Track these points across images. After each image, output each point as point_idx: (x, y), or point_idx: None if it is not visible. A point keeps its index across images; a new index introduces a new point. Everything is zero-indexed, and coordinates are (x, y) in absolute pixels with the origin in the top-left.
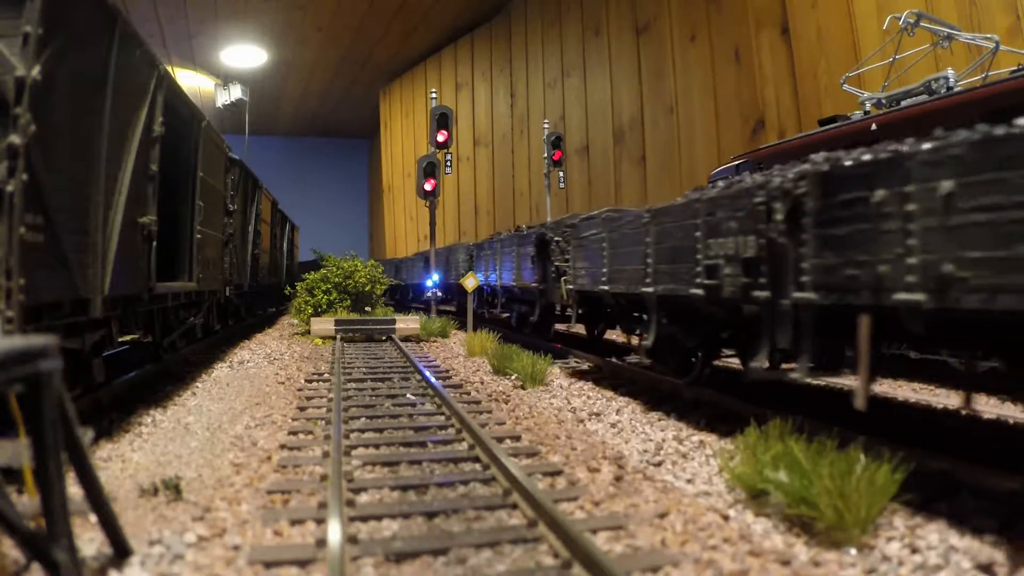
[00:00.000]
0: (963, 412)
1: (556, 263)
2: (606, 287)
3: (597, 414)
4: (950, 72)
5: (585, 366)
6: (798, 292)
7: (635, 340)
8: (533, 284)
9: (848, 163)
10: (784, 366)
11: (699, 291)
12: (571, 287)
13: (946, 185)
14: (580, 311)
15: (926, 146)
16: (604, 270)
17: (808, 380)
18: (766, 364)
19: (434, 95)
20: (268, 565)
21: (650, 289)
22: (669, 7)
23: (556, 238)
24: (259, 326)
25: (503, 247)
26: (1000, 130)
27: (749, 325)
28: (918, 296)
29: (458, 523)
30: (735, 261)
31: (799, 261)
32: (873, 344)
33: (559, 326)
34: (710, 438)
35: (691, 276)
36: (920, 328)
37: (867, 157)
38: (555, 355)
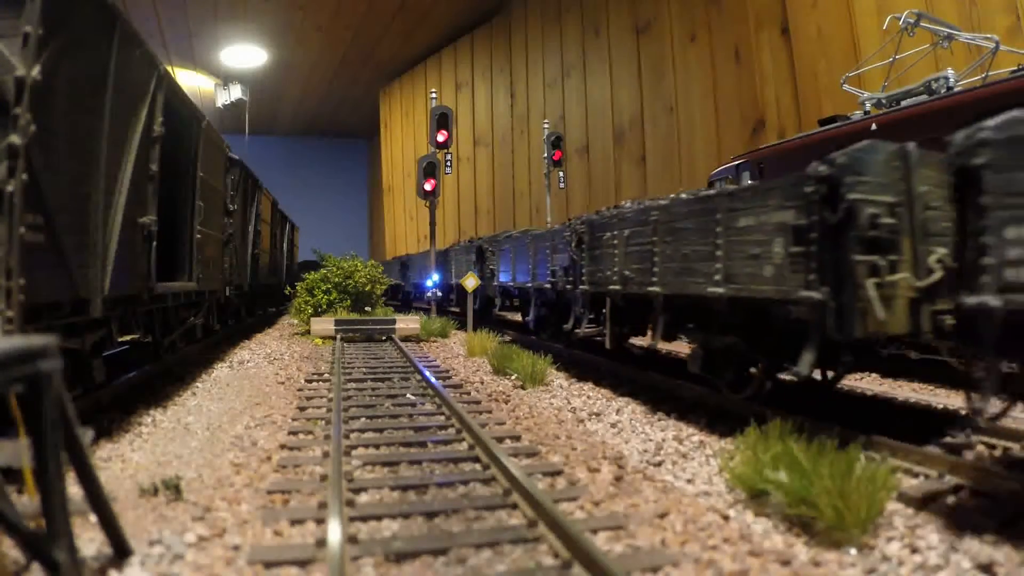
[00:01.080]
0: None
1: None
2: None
3: (597, 414)
4: (950, 72)
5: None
6: (581, 285)
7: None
8: (568, 285)
9: (596, 217)
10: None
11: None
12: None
13: (625, 232)
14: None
15: (625, 208)
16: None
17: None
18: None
19: (434, 95)
20: (268, 565)
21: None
22: (669, 7)
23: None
24: (259, 326)
25: (530, 245)
26: (649, 203)
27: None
28: (617, 287)
29: (458, 523)
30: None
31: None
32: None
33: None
34: (710, 438)
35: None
36: (621, 302)
37: (606, 213)
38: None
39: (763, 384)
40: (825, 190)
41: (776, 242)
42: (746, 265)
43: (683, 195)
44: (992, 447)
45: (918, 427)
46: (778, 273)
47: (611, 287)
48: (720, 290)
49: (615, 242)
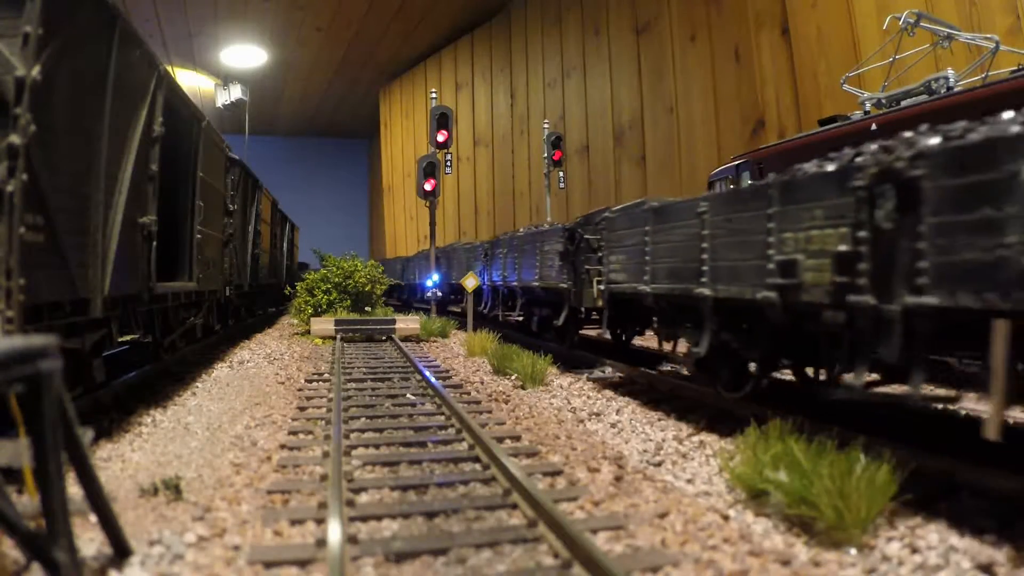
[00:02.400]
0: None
1: (586, 263)
2: (647, 287)
3: (597, 414)
4: (950, 72)
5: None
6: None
7: (667, 346)
8: (563, 285)
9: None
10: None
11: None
12: (603, 287)
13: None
14: (610, 314)
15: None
16: (647, 268)
17: None
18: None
19: (434, 95)
20: (268, 565)
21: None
22: (669, 7)
23: (587, 235)
24: (259, 326)
25: (524, 244)
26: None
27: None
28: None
29: (458, 523)
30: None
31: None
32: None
33: (585, 332)
34: (710, 438)
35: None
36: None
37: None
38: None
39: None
40: None
41: None
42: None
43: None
44: None
45: None
46: None
47: (641, 288)
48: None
49: (646, 239)
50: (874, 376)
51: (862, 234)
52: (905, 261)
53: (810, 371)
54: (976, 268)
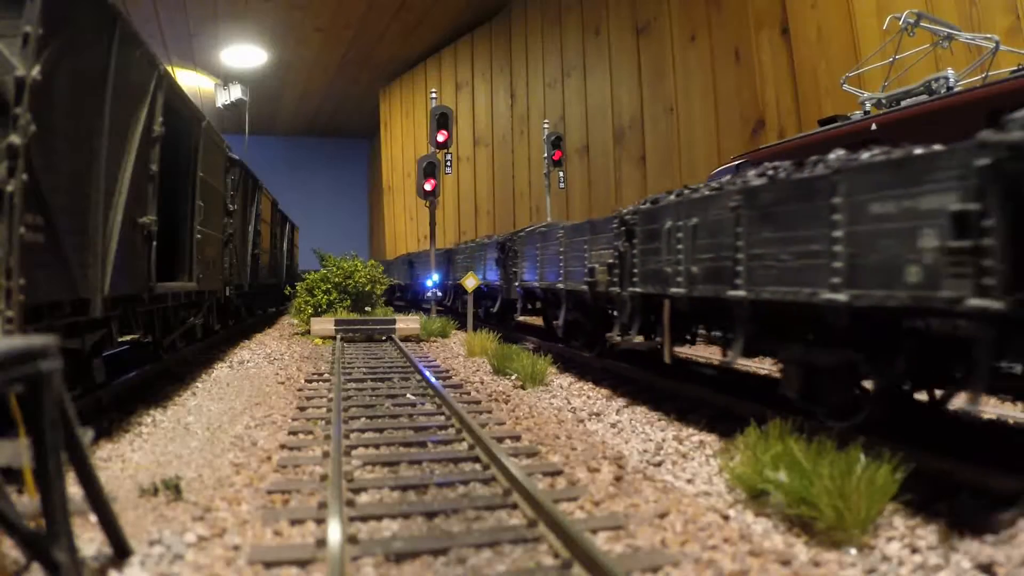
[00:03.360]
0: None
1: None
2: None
3: (597, 414)
4: (950, 72)
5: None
6: (630, 287)
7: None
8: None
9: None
10: None
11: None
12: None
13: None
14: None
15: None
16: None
17: None
18: None
19: (434, 95)
20: (268, 565)
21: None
22: (669, 7)
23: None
24: (259, 326)
25: (476, 252)
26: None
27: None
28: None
29: (458, 523)
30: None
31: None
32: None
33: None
34: (710, 438)
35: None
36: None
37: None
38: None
39: (882, 409)
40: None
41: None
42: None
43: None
44: None
45: None
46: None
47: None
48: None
49: (680, 235)
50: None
51: (619, 250)
52: (629, 268)
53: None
54: (653, 272)
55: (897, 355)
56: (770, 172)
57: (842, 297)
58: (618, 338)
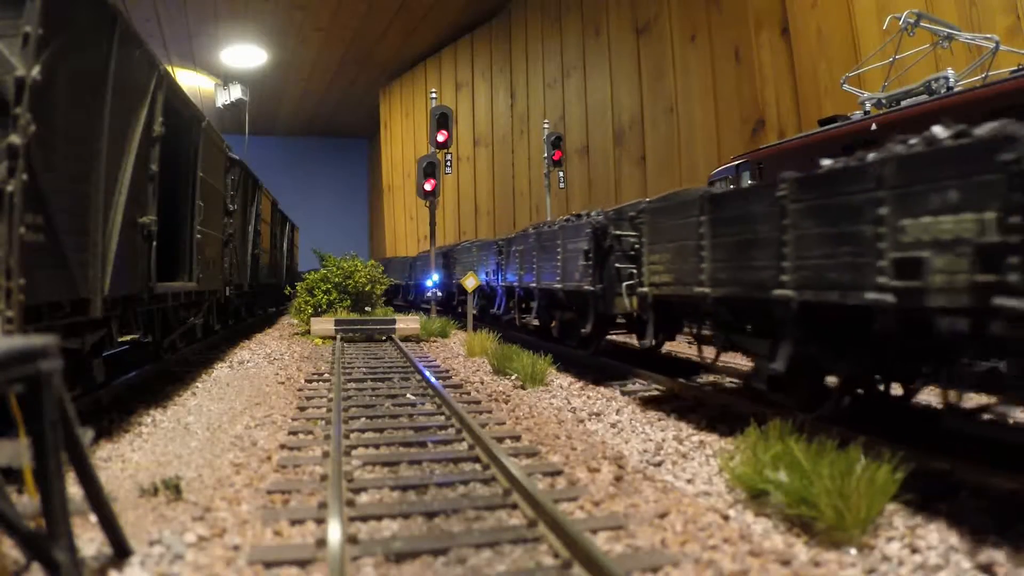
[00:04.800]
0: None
1: (617, 263)
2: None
3: (597, 414)
4: (950, 72)
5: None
6: (641, 288)
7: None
8: (586, 287)
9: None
10: None
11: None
12: (643, 290)
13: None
14: (651, 320)
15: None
16: (703, 266)
17: None
18: None
19: (434, 95)
20: (268, 565)
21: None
22: (669, 7)
23: (618, 232)
24: (259, 326)
25: (544, 242)
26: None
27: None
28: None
29: (458, 523)
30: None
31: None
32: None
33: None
34: (710, 438)
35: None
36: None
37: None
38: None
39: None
40: None
41: None
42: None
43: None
44: None
45: None
46: None
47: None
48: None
49: (702, 231)
50: None
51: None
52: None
53: None
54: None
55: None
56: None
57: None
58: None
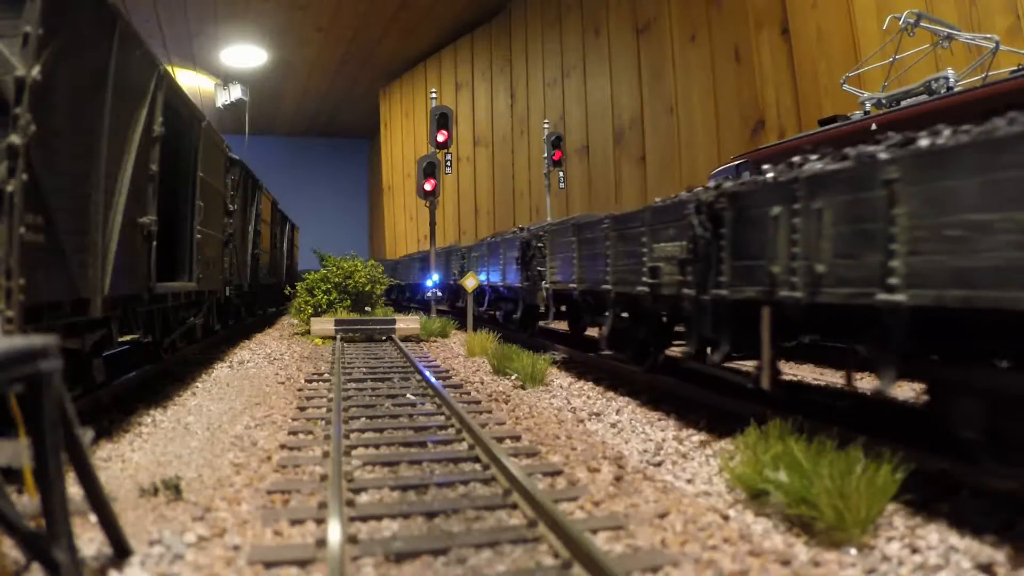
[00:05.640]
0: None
1: (539, 267)
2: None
3: (597, 414)
4: (950, 72)
5: (562, 357)
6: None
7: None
8: (516, 284)
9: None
10: None
11: None
12: (547, 285)
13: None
14: (551, 306)
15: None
16: (575, 269)
17: None
18: None
19: (434, 95)
20: (268, 565)
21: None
22: (669, 7)
23: (539, 244)
24: (259, 326)
25: (492, 250)
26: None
27: None
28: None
29: (458, 523)
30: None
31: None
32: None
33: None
34: (710, 438)
35: None
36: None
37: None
38: (539, 348)
39: None
40: None
41: None
42: None
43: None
44: None
45: None
46: None
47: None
48: None
49: (573, 246)
50: None
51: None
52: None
53: None
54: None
55: None
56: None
57: None
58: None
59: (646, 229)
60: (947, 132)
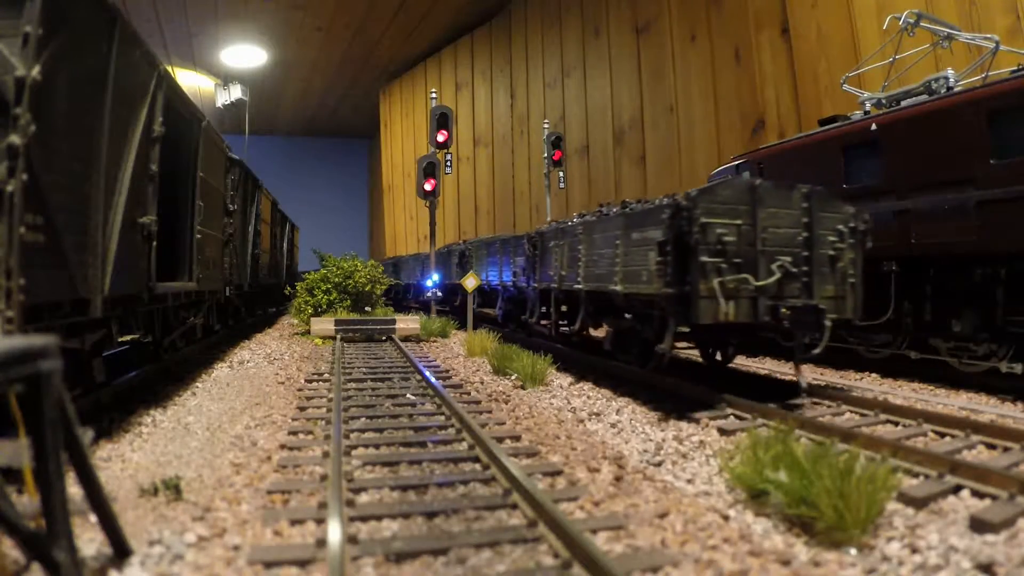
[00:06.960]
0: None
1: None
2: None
3: (597, 414)
4: (950, 72)
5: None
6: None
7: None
8: (667, 289)
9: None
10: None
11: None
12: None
13: None
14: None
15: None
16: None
17: None
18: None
19: (434, 95)
20: (268, 565)
21: None
22: (669, 7)
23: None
24: (259, 326)
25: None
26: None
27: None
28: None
29: (458, 523)
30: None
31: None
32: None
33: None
34: (710, 438)
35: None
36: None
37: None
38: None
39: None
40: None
41: None
42: None
43: None
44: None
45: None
46: None
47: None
48: None
49: (536, 252)
50: None
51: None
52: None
53: None
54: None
55: None
56: None
57: None
58: None
59: (511, 249)
60: (589, 215)
